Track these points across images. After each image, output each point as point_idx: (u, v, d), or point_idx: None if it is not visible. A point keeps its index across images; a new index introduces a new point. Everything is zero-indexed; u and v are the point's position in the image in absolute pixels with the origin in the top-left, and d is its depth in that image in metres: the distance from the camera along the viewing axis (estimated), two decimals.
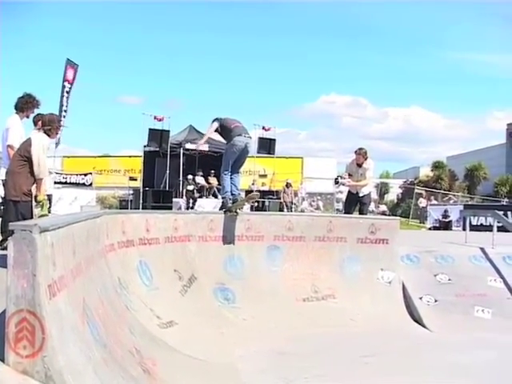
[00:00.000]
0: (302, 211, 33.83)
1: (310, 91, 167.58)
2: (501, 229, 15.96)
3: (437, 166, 57.49)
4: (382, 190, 58.76)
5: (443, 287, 12.42)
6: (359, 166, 14.03)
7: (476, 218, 27.51)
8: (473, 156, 60.00)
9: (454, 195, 46.28)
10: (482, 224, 26.58)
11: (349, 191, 14.76)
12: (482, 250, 14.14)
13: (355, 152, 14.18)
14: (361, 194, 14.32)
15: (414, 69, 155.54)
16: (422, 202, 40.51)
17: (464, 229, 18.90)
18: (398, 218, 16.20)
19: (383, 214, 39.94)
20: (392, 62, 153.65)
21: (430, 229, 33.71)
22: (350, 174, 14.15)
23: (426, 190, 44.92)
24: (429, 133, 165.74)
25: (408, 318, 11.38)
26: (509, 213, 28.28)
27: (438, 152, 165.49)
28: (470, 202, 42.24)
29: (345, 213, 14.56)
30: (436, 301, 11.98)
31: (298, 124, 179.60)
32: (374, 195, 55.55)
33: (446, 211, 33.48)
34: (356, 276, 11.61)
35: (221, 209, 12.14)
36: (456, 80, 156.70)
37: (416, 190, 44.55)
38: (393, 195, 58.18)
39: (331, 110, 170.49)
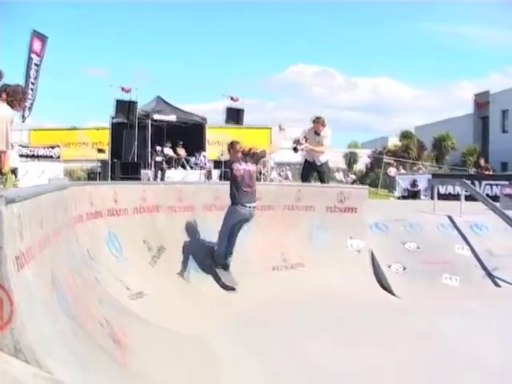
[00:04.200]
0: (271, 181, 33.80)
1: (279, 62, 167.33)
2: (468, 198, 16.08)
3: (405, 135, 57.62)
4: (351, 159, 58.89)
5: (411, 255, 12.54)
6: (317, 134, 13.98)
7: (444, 187, 27.66)
8: (441, 126, 60.22)
9: (423, 165, 46.54)
10: (450, 193, 26.71)
11: (306, 160, 14.68)
12: (450, 218, 14.26)
13: (313, 121, 14.12)
14: (318, 163, 14.24)
15: (384, 40, 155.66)
16: (392, 172, 40.65)
17: (432, 198, 19.01)
18: (367, 187, 16.29)
19: (353, 183, 40.09)
20: (362, 33, 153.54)
21: (398, 198, 33.84)
22: (306, 138, 14.03)
23: (394, 160, 45.12)
24: (397, 103, 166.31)
25: (376, 286, 11.50)
26: (476, 182, 28.47)
27: (407, 122, 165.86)
28: (438, 172, 42.48)
29: (302, 182, 14.53)
30: (404, 268, 12.09)
31: (267, 94, 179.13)
32: (343, 165, 55.83)
33: (414, 181, 33.60)
34: (325, 244, 11.66)
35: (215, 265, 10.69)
36: (425, 51, 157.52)
37: (384, 160, 44.73)
38: (361, 165, 58.31)
39: (300, 80, 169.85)
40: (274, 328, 8.51)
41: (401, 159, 46.67)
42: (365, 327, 8.85)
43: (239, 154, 10.49)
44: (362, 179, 46.08)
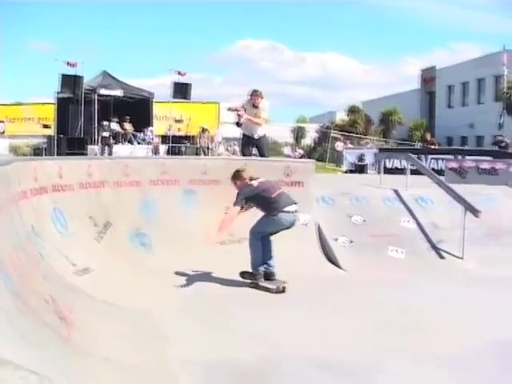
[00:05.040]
0: (219, 155, 33.79)
1: (227, 36, 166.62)
2: (415, 172, 16.28)
3: (352, 110, 57.99)
4: (299, 134, 59.11)
5: (358, 228, 12.65)
6: (255, 106, 13.96)
7: (391, 161, 27.97)
8: (388, 101, 60.79)
9: (370, 139, 46.95)
10: (396, 167, 27.00)
11: (244, 134, 14.59)
12: (396, 191, 14.43)
13: (250, 94, 14.08)
14: (256, 137, 14.22)
15: (333, 15, 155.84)
16: (339, 146, 40.87)
17: (379, 172, 19.20)
18: (314, 161, 16.35)
19: (301, 157, 40.24)
20: (311, 8, 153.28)
21: (345, 172, 34.11)
22: (244, 108, 13.99)
23: (341, 135, 45.39)
24: (345, 78, 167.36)
25: (323, 259, 11.58)
26: (422, 156, 28.82)
27: (354, 97, 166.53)
28: (385, 146, 42.90)
29: (243, 156, 14.50)
30: (351, 242, 12.20)
31: (215, 69, 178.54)
32: (291, 139, 55.99)
33: (361, 155, 33.89)
34: None
35: (251, 282, 9.66)
36: (373, 26, 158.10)
37: (332, 135, 44.98)
38: (309, 139, 58.54)
39: (247, 55, 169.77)
40: (221, 301, 8.53)
41: (348, 134, 46.99)
42: (311, 299, 8.93)
43: (247, 181, 9.69)
44: (309, 154, 46.25)
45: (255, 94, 13.90)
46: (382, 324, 7.74)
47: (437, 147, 33.38)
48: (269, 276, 9.61)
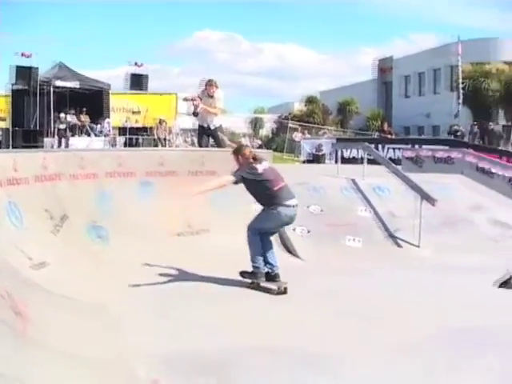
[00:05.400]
0: (177, 147, 33.65)
1: (184, 27, 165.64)
2: (372, 161, 16.41)
3: (310, 100, 58.16)
4: (257, 124, 59.14)
5: (316, 218, 12.73)
6: (210, 96, 13.94)
7: (348, 151, 28.10)
8: (345, 91, 61.05)
9: (328, 129, 47.10)
10: (353, 157, 27.11)
11: (199, 125, 14.58)
12: (353, 181, 14.56)
13: (206, 84, 14.07)
14: (212, 127, 14.17)
15: (290, 5, 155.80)
16: (297, 136, 40.91)
17: (336, 162, 19.29)
18: (271, 151, 16.38)
19: (258, 148, 40.27)
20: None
21: (303, 162, 34.24)
22: (200, 98, 13.94)
23: (299, 125, 45.45)
24: (302, 68, 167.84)
25: (281, 249, 11.60)
26: (379, 145, 29.04)
27: (312, 87, 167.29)
28: (342, 136, 43.11)
29: (199, 147, 14.47)
30: (309, 231, 12.27)
31: (172, 60, 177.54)
32: (249, 130, 55.97)
33: (319, 145, 34.02)
34: (229, 209, 11.59)
35: (251, 281, 9.16)
36: (330, 16, 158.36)
37: (290, 125, 45.00)
38: (267, 130, 58.60)
39: (205, 46, 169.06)
40: (177, 294, 8.50)
41: (306, 124, 47.09)
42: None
43: (251, 160, 9.09)
44: (267, 144, 46.28)
45: (210, 84, 13.87)
46: (342, 313, 7.79)
47: (393, 137, 33.62)
48: (273, 278, 9.05)
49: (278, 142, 47.39)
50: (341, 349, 6.45)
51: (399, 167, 16.46)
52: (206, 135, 14.34)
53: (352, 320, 7.52)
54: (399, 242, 12.73)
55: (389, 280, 9.83)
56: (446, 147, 25.42)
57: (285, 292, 8.86)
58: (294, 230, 12.03)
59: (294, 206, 8.93)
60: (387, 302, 8.45)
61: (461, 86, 41.50)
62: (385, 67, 61.52)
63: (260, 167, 8.93)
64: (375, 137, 37.98)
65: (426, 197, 12.83)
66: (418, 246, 12.56)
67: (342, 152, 20.79)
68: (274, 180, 8.93)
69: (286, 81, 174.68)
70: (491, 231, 14.14)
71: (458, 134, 34.43)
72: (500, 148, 31.39)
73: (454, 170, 19.30)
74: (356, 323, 7.42)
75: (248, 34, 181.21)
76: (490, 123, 36.20)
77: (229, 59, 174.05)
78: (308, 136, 41.56)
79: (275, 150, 36.63)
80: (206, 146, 14.38)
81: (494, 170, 19.14)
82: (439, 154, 21.40)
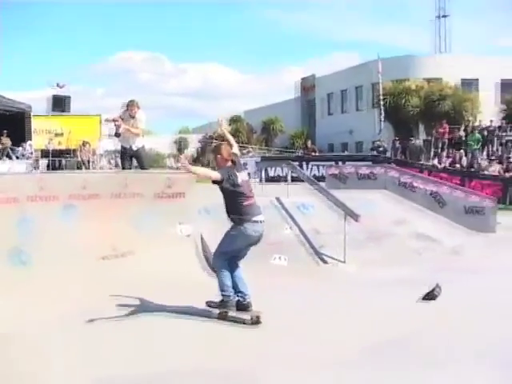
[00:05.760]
0: (101, 169, 33.27)
1: (106, 48, 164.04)
2: (296, 179, 16.51)
3: (235, 120, 58.42)
4: (182, 144, 59.01)
5: None
6: (132, 117, 13.79)
7: (273, 169, 28.27)
8: (269, 110, 61.50)
9: (252, 148, 47.31)
10: (278, 175, 27.30)
11: (122, 146, 14.27)
12: (278, 199, 14.59)
13: (127, 105, 13.92)
14: (134, 148, 13.87)
15: (213, 25, 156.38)
16: None
17: (261, 180, 19.36)
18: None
19: None
20: (190, 19, 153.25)
21: None
22: (122, 118, 13.76)
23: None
24: (227, 88, 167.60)
25: (207, 271, 11.51)
26: (304, 163, 29.25)
27: (236, 107, 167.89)
28: (267, 155, 43.34)
29: (122, 169, 14.30)
30: None
31: (95, 81, 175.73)
32: (174, 150, 55.80)
33: (244, 164, 34.11)
34: (154, 231, 11.52)
35: (220, 312, 8.60)
36: (253, 36, 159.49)
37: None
38: (192, 150, 58.56)
39: (128, 66, 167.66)
40: (105, 317, 8.32)
41: None
42: (195, 309, 8.85)
43: (229, 163, 8.63)
44: (193, 164, 46.15)
45: (131, 104, 13.70)
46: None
47: (317, 154, 33.98)
48: (245, 307, 8.41)
49: (204, 161, 47.34)
50: (252, 365, 6.45)
51: (323, 184, 16.58)
52: (128, 156, 14.15)
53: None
54: (325, 258, 12.81)
55: (312, 296, 9.87)
56: (369, 163, 25.81)
57: (258, 322, 8.32)
58: None
59: (261, 222, 8.52)
60: (308, 318, 8.56)
61: (382, 102, 42.17)
62: (307, 86, 62.21)
63: (240, 177, 8.46)
64: (299, 154, 38.29)
65: (349, 213, 12.96)
66: (344, 262, 12.66)
67: (266, 170, 20.88)
68: (246, 193, 8.52)
69: (211, 101, 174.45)
70: (414, 244, 14.42)
71: (381, 149, 35.02)
72: (421, 162, 32.06)
73: (377, 185, 19.61)
74: (272, 340, 7.47)
75: (171, 54, 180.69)
76: (411, 138, 36.90)
77: (153, 80, 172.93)
78: None
79: None
80: (129, 168, 14.19)
81: (415, 184, 19.50)
82: (362, 170, 21.68)
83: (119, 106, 14.50)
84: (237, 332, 7.87)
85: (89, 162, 32.94)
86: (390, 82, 44.32)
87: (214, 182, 8.42)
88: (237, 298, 8.42)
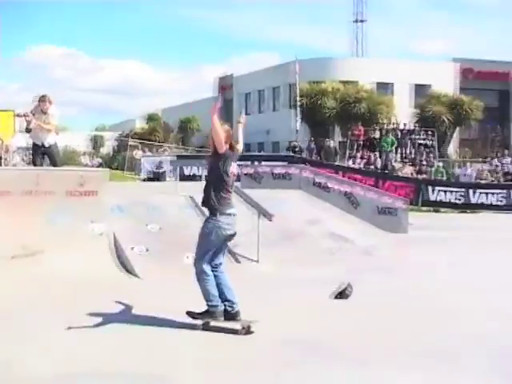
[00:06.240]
0: (15, 166, 32.56)
1: (21, 42, 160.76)
2: None
3: (152, 118, 58.17)
4: (98, 142, 58.40)
5: (154, 236, 12.67)
6: (44, 112, 13.48)
7: (189, 168, 28.26)
8: (187, 108, 61.41)
9: (169, 147, 47.10)
10: (194, 174, 27.27)
11: (34, 143, 13.93)
12: (192, 198, 14.54)
13: (39, 100, 13.64)
14: (46, 145, 13.58)
15: (133, 22, 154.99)
16: (137, 154, 40.69)
17: (176, 179, 19.31)
18: (108, 169, 16.17)
19: (98, 166, 39.67)
20: (110, 15, 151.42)
21: (144, 180, 34.12)
22: (33, 114, 13.47)
23: (140, 142, 45.18)
24: (144, 86, 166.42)
25: (120, 268, 11.43)
26: None
27: (154, 105, 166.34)
28: (184, 153, 43.24)
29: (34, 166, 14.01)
30: (147, 250, 12.14)
31: (9, 76, 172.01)
32: (90, 148, 55.15)
33: (160, 162, 34.08)
34: (66, 230, 11.36)
35: (204, 322, 7.97)
36: (173, 34, 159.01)
37: (130, 143, 44.63)
38: (108, 148, 57.97)
39: (44, 61, 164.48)
40: (15, 319, 8.13)
41: (147, 141, 46.85)
42: (105, 309, 8.71)
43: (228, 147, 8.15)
44: (109, 162, 45.73)
45: (43, 100, 13.41)
46: (173, 332, 7.82)
47: None
48: (233, 316, 7.88)
49: (119, 159, 46.91)
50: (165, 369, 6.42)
51: (238, 183, 16.61)
52: (40, 153, 13.84)
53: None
54: (238, 257, 12.82)
55: None
56: (285, 163, 26.02)
57: (249, 331, 7.76)
58: (132, 248, 11.93)
59: (234, 215, 8.13)
60: None
61: (299, 103, 42.63)
62: (225, 85, 62.33)
63: (231, 168, 8.00)
64: None
65: (263, 212, 13.05)
66: (257, 261, 12.71)
67: (182, 169, 20.83)
68: (230, 187, 8.11)
69: (128, 98, 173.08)
70: (328, 244, 14.61)
71: (297, 149, 35.44)
72: (336, 163, 32.53)
73: (292, 185, 19.80)
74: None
75: (88, 50, 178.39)
76: (327, 139, 37.38)
77: (69, 76, 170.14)
78: (149, 154, 41.36)
79: (116, 168, 36.32)
80: (41, 165, 13.90)
81: (329, 185, 19.81)
82: (277, 170, 21.85)
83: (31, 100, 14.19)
84: (155, 334, 7.80)
85: (1, 158, 32.22)
86: (307, 83, 44.80)
87: (215, 154, 8.05)
88: (223, 307, 7.88)
